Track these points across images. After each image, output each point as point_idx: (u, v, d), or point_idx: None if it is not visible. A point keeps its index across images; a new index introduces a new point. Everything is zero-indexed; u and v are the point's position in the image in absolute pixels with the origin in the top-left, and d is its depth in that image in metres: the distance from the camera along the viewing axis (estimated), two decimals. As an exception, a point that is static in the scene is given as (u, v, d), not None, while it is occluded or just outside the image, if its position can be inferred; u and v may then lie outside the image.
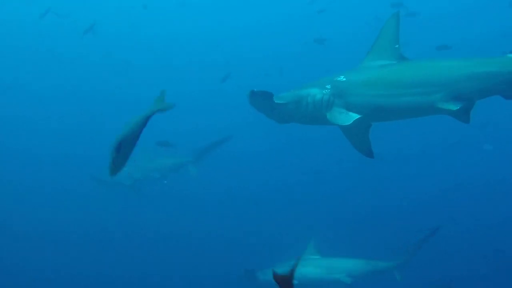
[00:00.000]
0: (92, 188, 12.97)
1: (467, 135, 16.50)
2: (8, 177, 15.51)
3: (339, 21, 23.55)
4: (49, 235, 12.80)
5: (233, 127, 15.51)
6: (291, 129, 6.14)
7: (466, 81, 4.88)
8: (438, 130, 14.63)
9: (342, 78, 5.14)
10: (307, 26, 20.68)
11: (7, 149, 18.01)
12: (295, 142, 17.12)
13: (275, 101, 5.00)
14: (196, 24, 26.15)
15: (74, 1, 23.71)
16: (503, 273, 11.17)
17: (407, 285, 8.93)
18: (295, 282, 7.33)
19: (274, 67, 19.11)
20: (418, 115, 5.15)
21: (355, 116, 4.88)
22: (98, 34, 16.20)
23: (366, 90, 5.01)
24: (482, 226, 13.39)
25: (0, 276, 10.73)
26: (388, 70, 5.15)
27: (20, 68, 23.10)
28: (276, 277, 2.39)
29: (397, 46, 5.27)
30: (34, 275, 11.19)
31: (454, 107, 4.82)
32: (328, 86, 5.07)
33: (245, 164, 17.70)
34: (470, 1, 24.16)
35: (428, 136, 17.14)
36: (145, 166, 11.96)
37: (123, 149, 3.38)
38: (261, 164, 17.99)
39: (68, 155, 17.70)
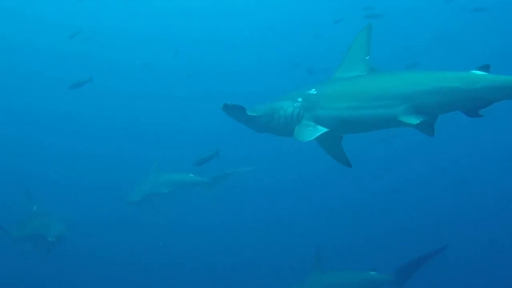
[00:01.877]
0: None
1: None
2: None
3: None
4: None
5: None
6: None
7: (427, 95, 4.84)
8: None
9: (313, 91, 5.22)
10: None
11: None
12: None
13: (249, 114, 5.10)
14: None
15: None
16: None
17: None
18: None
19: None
20: (382, 128, 5.15)
21: (320, 130, 4.93)
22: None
23: (332, 103, 5.07)
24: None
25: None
26: (354, 82, 5.19)
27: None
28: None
29: (367, 57, 5.30)
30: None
31: (414, 121, 4.76)
32: (300, 99, 5.15)
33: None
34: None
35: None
36: (153, 181, 12.24)
37: None
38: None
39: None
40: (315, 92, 5.19)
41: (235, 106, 5.04)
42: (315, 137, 4.91)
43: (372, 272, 8.84)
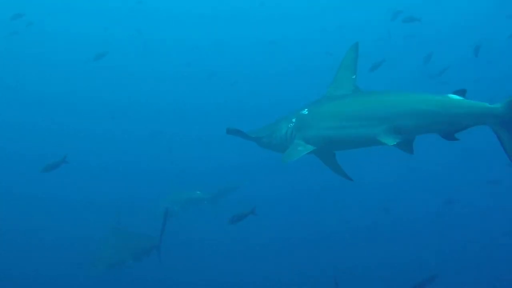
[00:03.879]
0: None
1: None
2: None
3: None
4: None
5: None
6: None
7: (405, 117, 4.95)
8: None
9: (305, 111, 5.51)
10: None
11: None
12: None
13: (250, 136, 5.63)
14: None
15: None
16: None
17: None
18: None
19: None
20: (365, 146, 5.30)
21: (309, 149, 5.24)
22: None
23: (320, 123, 5.31)
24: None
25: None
26: (339, 102, 5.36)
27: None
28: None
29: (354, 76, 5.48)
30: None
31: (391, 141, 4.90)
32: (293, 120, 5.51)
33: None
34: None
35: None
36: (168, 199, 12.50)
37: None
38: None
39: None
40: (306, 112, 5.48)
41: (235, 130, 5.49)
42: (300, 156, 5.18)
43: None
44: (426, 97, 5.03)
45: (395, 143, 4.90)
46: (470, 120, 4.83)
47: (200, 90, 24.72)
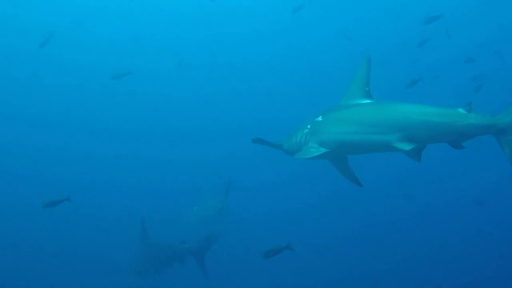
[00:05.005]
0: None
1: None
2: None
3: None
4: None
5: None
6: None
7: (418, 128, 5.37)
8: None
9: (319, 118, 5.96)
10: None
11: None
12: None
13: (272, 143, 6.13)
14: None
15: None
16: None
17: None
18: None
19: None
20: (377, 151, 5.69)
21: (321, 151, 5.70)
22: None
23: (333, 128, 5.73)
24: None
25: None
26: (354, 110, 5.79)
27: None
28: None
29: (367, 88, 5.89)
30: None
31: (406, 147, 5.32)
32: (308, 126, 5.96)
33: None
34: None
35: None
36: (201, 207, 12.57)
37: None
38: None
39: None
40: (320, 119, 5.93)
41: (259, 139, 6.01)
42: (313, 156, 5.67)
43: None
44: (438, 109, 5.46)
45: (410, 148, 5.31)
46: (477, 131, 5.32)
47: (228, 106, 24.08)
